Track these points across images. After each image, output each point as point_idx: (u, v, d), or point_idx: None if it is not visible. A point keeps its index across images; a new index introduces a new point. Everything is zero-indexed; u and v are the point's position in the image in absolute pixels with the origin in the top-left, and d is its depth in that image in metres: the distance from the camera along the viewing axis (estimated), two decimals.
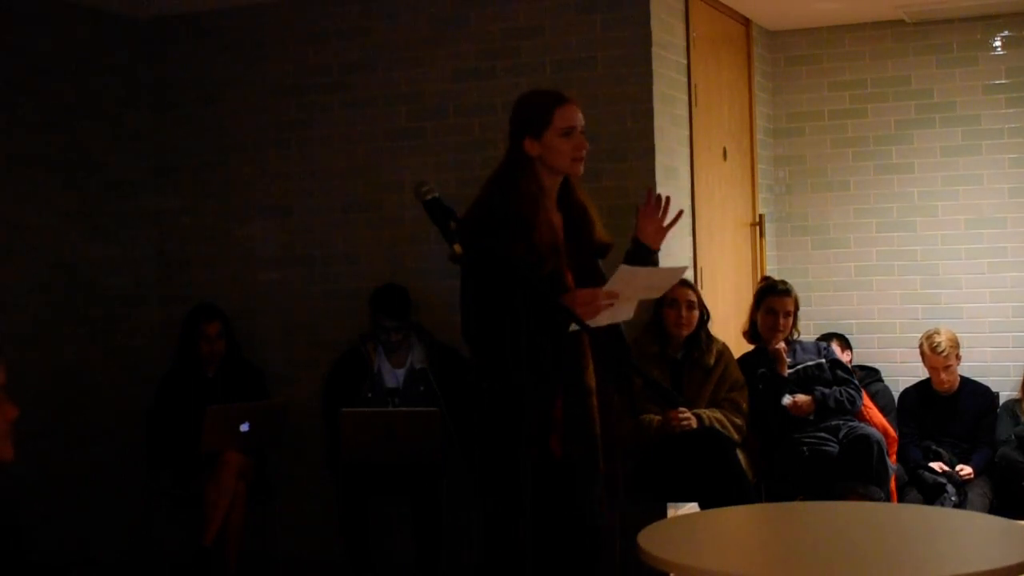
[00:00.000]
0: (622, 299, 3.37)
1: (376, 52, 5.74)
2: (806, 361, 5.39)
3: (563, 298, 3.30)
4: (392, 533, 5.53)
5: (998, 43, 6.60)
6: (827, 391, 5.30)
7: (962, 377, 6.10)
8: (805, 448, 5.15)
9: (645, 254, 3.63)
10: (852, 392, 5.34)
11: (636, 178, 5.22)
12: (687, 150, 5.66)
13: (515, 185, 3.45)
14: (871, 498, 4.93)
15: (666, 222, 3.67)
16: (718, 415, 4.93)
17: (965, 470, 5.77)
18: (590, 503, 3.44)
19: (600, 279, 3.51)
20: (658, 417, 4.87)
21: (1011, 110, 6.57)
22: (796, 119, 6.97)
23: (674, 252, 5.42)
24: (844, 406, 5.29)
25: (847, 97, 6.87)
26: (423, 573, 5.09)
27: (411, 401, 5.25)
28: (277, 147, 5.94)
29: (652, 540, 3.25)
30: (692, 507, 5.01)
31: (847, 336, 6.61)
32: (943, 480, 5.71)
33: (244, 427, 5.23)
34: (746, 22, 6.60)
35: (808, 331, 6.30)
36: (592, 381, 3.45)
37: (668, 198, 3.68)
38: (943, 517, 4.07)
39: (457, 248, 3.03)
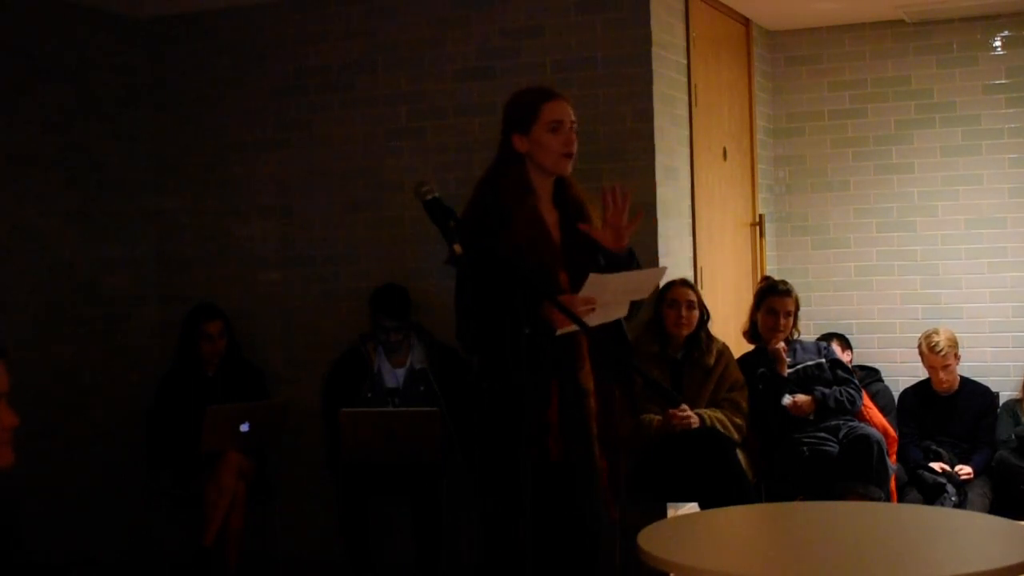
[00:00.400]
0: (606, 302, 3.31)
1: (376, 52, 5.74)
2: (806, 361, 5.39)
3: (546, 304, 3.25)
4: (392, 533, 5.53)
5: (998, 43, 6.60)
6: (827, 391, 5.30)
7: (962, 377, 6.10)
8: (805, 448, 5.15)
9: (616, 259, 3.46)
10: (852, 392, 5.34)
11: (636, 178, 5.22)
12: (687, 150, 5.66)
13: (500, 180, 3.44)
14: (871, 498, 4.93)
15: (625, 219, 3.45)
16: (719, 415, 4.93)
17: (964, 470, 5.77)
18: (589, 503, 3.44)
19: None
20: (658, 417, 4.87)
21: (1011, 110, 6.57)
22: (796, 119, 6.97)
23: (674, 252, 5.43)
24: (844, 406, 5.29)
25: (847, 97, 6.87)
26: (423, 573, 5.09)
27: (411, 401, 5.25)
28: (277, 147, 5.94)
29: (652, 540, 3.25)
30: (692, 507, 5.01)
31: (847, 336, 6.61)
32: (943, 480, 5.71)
33: (244, 427, 5.24)
34: (746, 22, 6.60)
35: (808, 331, 6.30)
36: (589, 382, 3.43)
37: (626, 193, 3.47)
38: (943, 517, 4.07)
39: (457, 248, 3.03)
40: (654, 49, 5.27)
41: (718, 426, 4.88)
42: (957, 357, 6.01)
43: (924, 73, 6.71)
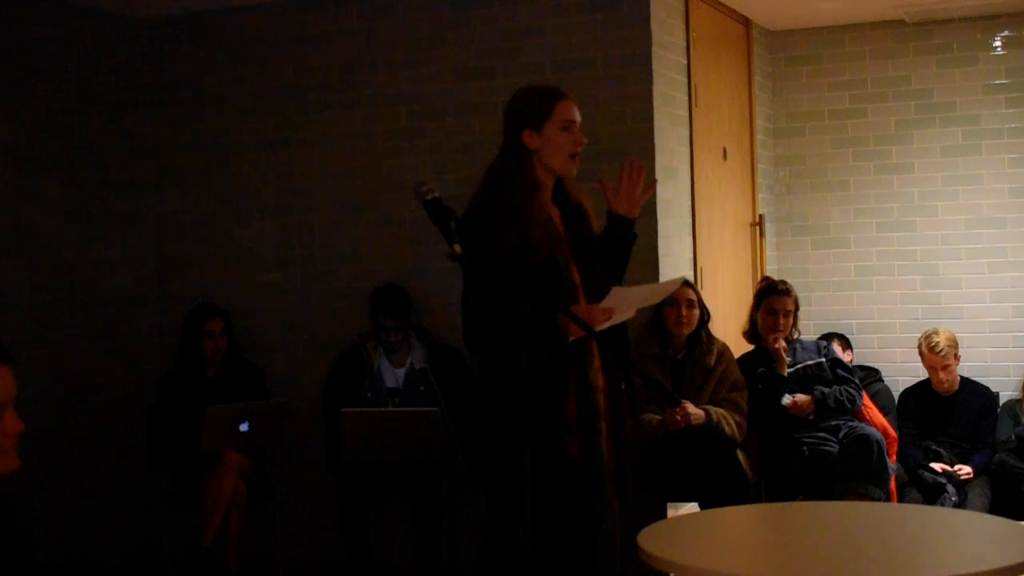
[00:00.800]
0: (619, 311, 3.37)
1: (376, 52, 5.74)
2: (806, 361, 5.39)
3: (560, 315, 3.29)
4: (392, 533, 5.54)
5: (998, 43, 6.60)
6: (827, 391, 5.29)
7: (962, 377, 6.09)
8: (805, 448, 5.15)
9: (624, 225, 3.54)
10: (852, 392, 5.34)
11: None
12: (687, 150, 5.67)
13: (511, 175, 3.43)
14: (871, 498, 4.93)
15: (639, 191, 3.54)
16: (723, 412, 4.93)
17: (964, 470, 5.77)
18: (598, 502, 3.45)
19: (602, 274, 3.51)
20: (658, 417, 4.87)
21: (1011, 110, 6.57)
22: (796, 119, 6.97)
23: (674, 252, 5.43)
24: (844, 406, 5.29)
25: (847, 97, 6.87)
26: (423, 573, 5.09)
27: (411, 401, 5.25)
28: (277, 147, 5.94)
29: (652, 540, 3.25)
30: (692, 507, 5.01)
31: (847, 336, 6.61)
32: (943, 480, 5.71)
33: (244, 427, 5.23)
34: (746, 22, 6.60)
35: (808, 331, 6.30)
36: (599, 380, 3.45)
37: (642, 168, 3.55)
38: (943, 517, 4.07)
39: (457, 248, 3.03)
40: (654, 49, 5.27)
41: (723, 422, 4.88)
42: (957, 357, 6.01)
43: (924, 73, 6.71)
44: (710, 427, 4.85)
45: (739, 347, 5.44)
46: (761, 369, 5.27)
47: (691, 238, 5.67)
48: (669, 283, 3.75)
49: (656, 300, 3.56)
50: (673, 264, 5.39)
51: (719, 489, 4.63)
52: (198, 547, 5.15)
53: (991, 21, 6.58)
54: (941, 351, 5.94)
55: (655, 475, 4.82)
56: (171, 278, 6.14)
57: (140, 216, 6.12)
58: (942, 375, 6.01)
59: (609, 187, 3.57)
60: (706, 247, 5.81)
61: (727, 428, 4.88)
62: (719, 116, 6.14)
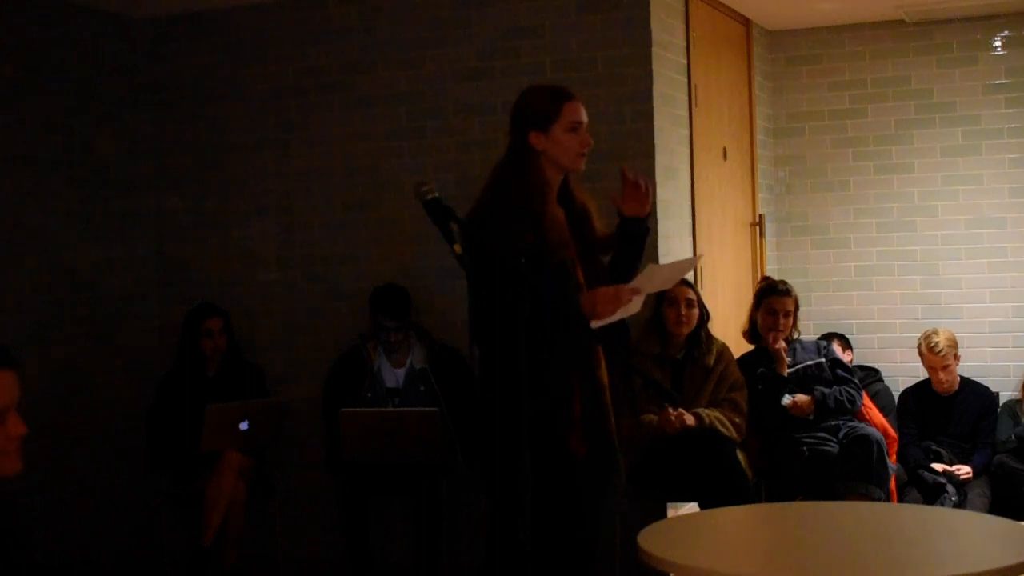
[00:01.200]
0: (644, 291, 3.43)
1: (376, 52, 5.74)
2: (806, 361, 5.39)
3: (584, 296, 3.31)
4: (392, 533, 5.54)
5: (998, 43, 6.60)
6: (827, 391, 5.29)
7: (962, 377, 6.09)
8: (805, 448, 5.15)
9: (638, 226, 3.59)
10: (852, 392, 5.34)
11: None
12: (687, 150, 5.66)
13: (524, 177, 3.43)
14: (871, 498, 4.93)
15: (643, 190, 3.58)
16: (717, 414, 4.93)
17: (963, 470, 5.77)
18: (607, 499, 3.46)
19: (603, 273, 3.52)
20: (657, 417, 4.87)
21: (1011, 110, 6.57)
22: (796, 119, 6.97)
23: (674, 252, 5.42)
24: (844, 406, 5.29)
25: (847, 97, 6.87)
26: (423, 573, 5.09)
27: (411, 401, 5.25)
28: (277, 147, 5.94)
29: (652, 540, 3.25)
30: (692, 507, 5.01)
31: (847, 336, 6.61)
32: (943, 480, 5.71)
33: (243, 425, 5.23)
34: (746, 22, 6.60)
35: (808, 331, 6.30)
36: (605, 377, 3.46)
37: (645, 181, 3.59)
38: (943, 517, 4.07)
39: (457, 248, 3.03)
40: (654, 49, 5.27)
41: (717, 425, 4.88)
42: (957, 357, 6.01)
43: (924, 73, 6.71)
44: (704, 428, 4.86)
45: (739, 347, 5.45)
46: (761, 369, 5.27)
47: (691, 238, 5.67)
48: (688, 260, 3.82)
49: (677, 279, 3.69)
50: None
51: (719, 489, 4.63)
52: (198, 547, 5.15)
53: (991, 21, 6.58)
54: (941, 351, 5.94)
55: (655, 475, 4.82)
56: (171, 278, 6.14)
57: (140, 216, 6.12)
58: (942, 375, 6.00)
59: (616, 196, 3.60)
60: (706, 247, 5.81)
61: (722, 429, 4.88)
62: (719, 116, 6.14)
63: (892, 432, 5.61)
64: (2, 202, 5.47)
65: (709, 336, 5.11)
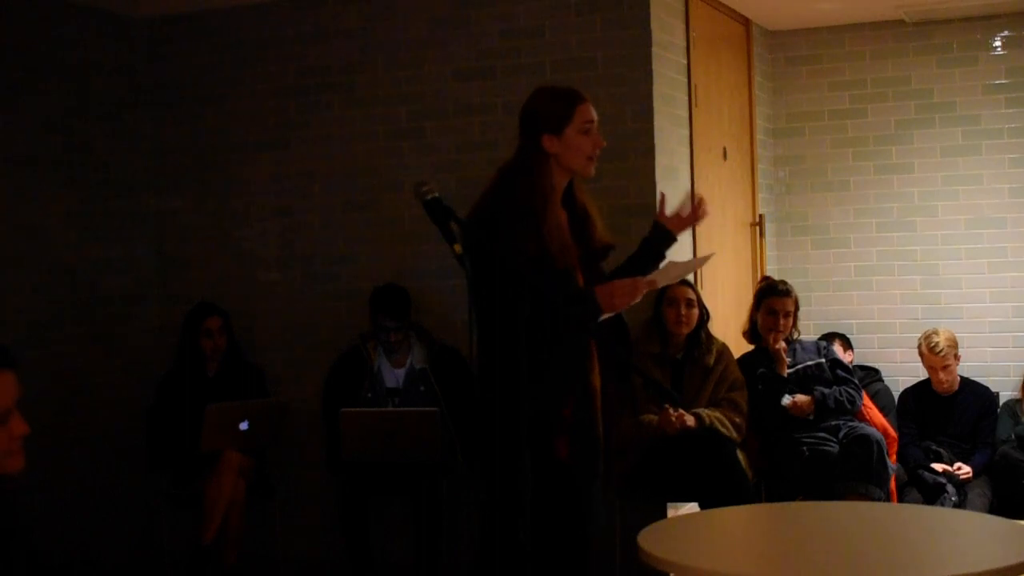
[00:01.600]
0: (659, 282, 3.53)
1: (376, 52, 5.74)
2: (806, 361, 5.39)
3: (599, 288, 3.33)
4: (392, 533, 5.53)
5: (998, 43, 6.60)
6: (827, 391, 5.30)
7: (962, 377, 6.09)
8: (805, 448, 5.15)
9: (665, 238, 3.68)
10: (852, 392, 5.34)
11: (636, 178, 5.22)
12: (687, 150, 5.66)
13: (530, 181, 3.41)
14: (871, 498, 4.93)
15: (689, 216, 3.72)
16: (717, 414, 4.93)
17: (963, 470, 5.77)
18: (589, 503, 3.44)
19: (602, 279, 3.51)
20: (657, 417, 4.87)
21: (1011, 110, 6.57)
22: (796, 119, 6.97)
23: (674, 252, 5.40)
24: (844, 406, 5.29)
25: (847, 97, 6.87)
26: (423, 573, 5.09)
27: (411, 401, 5.25)
28: (277, 147, 5.94)
29: (652, 540, 3.25)
30: (692, 507, 5.01)
31: (847, 336, 6.61)
32: (943, 480, 5.71)
33: (243, 425, 5.23)
34: (746, 22, 6.60)
35: (808, 331, 6.30)
36: (597, 382, 3.45)
37: (706, 210, 3.74)
38: (943, 517, 4.07)
39: (457, 248, 3.03)
40: (654, 49, 5.27)
41: (717, 425, 4.88)
42: (957, 357, 6.01)
43: (924, 73, 6.71)
44: (704, 428, 4.86)
45: (739, 347, 5.45)
46: (761, 369, 5.28)
47: (691, 238, 5.66)
48: (702, 258, 3.99)
49: (688, 274, 3.81)
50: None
51: (719, 489, 4.63)
52: (198, 547, 5.15)
53: (991, 21, 6.58)
54: (941, 351, 5.94)
55: (655, 475, 4.82)
56: (171, 278, 6.14)
57: (140, 216, 6.12)
58: (942, 375, 6.00)
59: (666, 204, 3.69)
60: (706, 247, 5.81)
61: (722, 429, 4.88)
62: (719, 116, 6.14)
63: (892, 432, 5.61)
64: (2, 202, 5.48)
65: (709, 336, 5.11)
